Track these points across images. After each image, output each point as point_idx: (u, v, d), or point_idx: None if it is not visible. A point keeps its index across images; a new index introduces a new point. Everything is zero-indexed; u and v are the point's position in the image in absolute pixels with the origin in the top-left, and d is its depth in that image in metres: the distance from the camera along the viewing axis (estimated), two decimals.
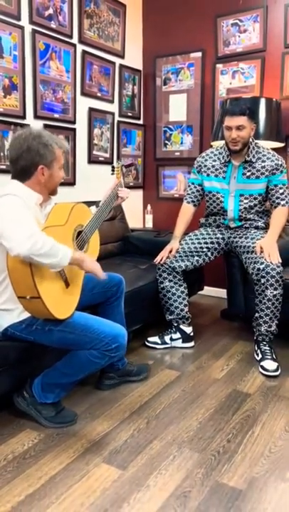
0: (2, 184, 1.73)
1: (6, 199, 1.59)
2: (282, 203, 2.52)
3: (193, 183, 2.73)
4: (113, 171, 2.23)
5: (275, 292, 2.30)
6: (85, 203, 3.03)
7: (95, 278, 1.86)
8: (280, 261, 2.34)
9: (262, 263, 2.32)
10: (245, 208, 2.57)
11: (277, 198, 2.53)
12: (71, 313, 1.74)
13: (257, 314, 2.40)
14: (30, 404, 1.83)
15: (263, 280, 2.31)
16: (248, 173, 2.52)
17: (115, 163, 2.25)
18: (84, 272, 1.88)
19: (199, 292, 3.38)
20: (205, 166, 2.65)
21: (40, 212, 1.78)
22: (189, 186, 2.75)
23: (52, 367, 1.81)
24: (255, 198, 2.56)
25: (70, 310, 1.75)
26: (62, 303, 1.71)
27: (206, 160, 2.66)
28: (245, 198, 2.56)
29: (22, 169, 1.71)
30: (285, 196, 2.53)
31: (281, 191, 2.52)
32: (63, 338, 1.72)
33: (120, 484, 1.50)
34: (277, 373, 2.28)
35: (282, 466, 1.60)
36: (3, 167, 2.68)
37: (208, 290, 3.63)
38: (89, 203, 3.07)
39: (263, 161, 2.50)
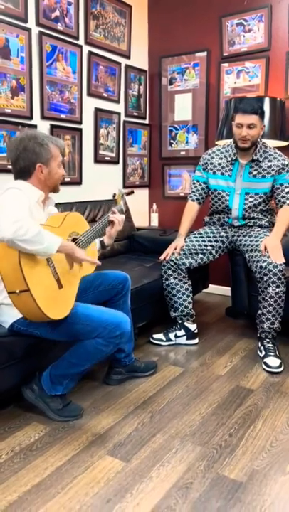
0: (7, 182, 1.80)
1: (8, 191, 1.68)
2: (288, 202, 2.54)
3: (198, 181, 2.75)
4: (114, 197, 2.27)
5: (277, 290, 2.33)
6: (91, 202, 3.12)
7: (101, 275, 1.90)
8: (284, 261, 2.36)
9: (264, 261, 2.34)
10: (249, 206, 2.60)
11: (283, 197, 2.55)
12: (64, 315, 1.73)
13: (260, 311, 2.43)
14: (38, 397, 1.88)
15: (265, 278, 2.34)
16: (255, 172, 2.55)
17: (116, 191, 2.28)
18: (81, 274, 1.90)
19: (205, 290, 3.41)
20: (211, 163, 2.67)
21: (42, 210, 1.84)
22: (194, 184, 2.78)
23: (59, 358, 1.86)
24: (260, 197, 2.58)
25: (63, 311, 1.74)
26: (53, 301, 1.69)
27: (212, 157, 2.68)
28: (251, 197, 2.58)
29: (21, 169, 1.80)
30: None
31: (287, 190, 2.54)
32: (68, 330, 1.77)
33: (124, 475, 1.54)
34: (280, 370, 2.31)
35: (283, 460, 1.63)
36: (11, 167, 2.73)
37: (213, 288, 3.66)
38: (95, 202, 3.15)
39: (270, 161, 2.53)
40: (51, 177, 1.84)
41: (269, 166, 2.52)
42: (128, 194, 2.30)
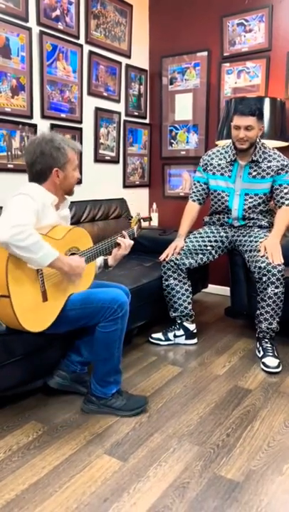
0: (13, 183, 1.79)
1: (17, 196, 1.67)
2: (287, 202, 2.54)
3: (198, 181, 2.76)
4: (130, 219, 2.24)
5: (276, 290, 2.33)
6: (91, 201, 3.12)
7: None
8: (283, 261, 2.36)
9: (263, 261, 2.35)
10: (249, 207, 2.60)
11: (282, 197, 2.55)
12: (41, 328, 1.70)
13: (258, 312, 2.43)
14: (101, 405, 1.91)
15: (264, 278, 2.34)
16: (254, 173, 2.55)
17: (134, 214, 2.26)
18: (71, 291, 1.85)
19: (204, 290, 3.42)
20: (211, 164, 2.67)
21: (56, 214, 1.85)
22: (194, 184, 2.78)
23: (93, 367, 1.90)
24: (260, 198, 2.58)
25: (41, 325, 1.70)
26: (33, 313, 1.67)
27: (212, 158, 2.68)
28: (250, 197, 2.59)
29: (37, 173, 1.80)
30: None
31: (286, 191, 2.54)
32: (68, 318, 1.79)
33: (121, 475, 1.55)
34: (278, 370, 2.31)
35: (280, 460, 1.63)
36: (11, 166, 2.74)
37: (212, 288, 3.66)
38: (95, 202, 3.15)
39: (269, 161, 2.53)
40: (67, 181, 1.85)
41: (268, 167, 2.53)
42: (145, 220, 2.28)
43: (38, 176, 1.81)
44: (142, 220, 2.27)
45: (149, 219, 2.31)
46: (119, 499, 1.43)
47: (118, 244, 2.05)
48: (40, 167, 1.79)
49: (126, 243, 2.05)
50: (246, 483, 1.51)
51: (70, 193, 1.91)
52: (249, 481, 1.52)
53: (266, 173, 2.53)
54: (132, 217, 2.25)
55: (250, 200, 2.59)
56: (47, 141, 1.79)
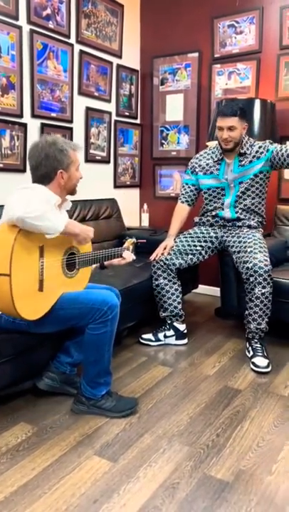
0: (3, 182, 1.80)
1: (23, 190, 1.72)
2: None
3: (187, 184, 2.78)
4: (124, 240, 2.25)
5: (263, 290, 2.35)
6: (81, 201, 3.11)
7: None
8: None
9: (251, 262, 2.36)
10: (242, 192, 2.62)
11: (283, 154, 2.47)
12: (31, 317, 1.70)
13: (247, 312, 2.45)
14: (91, 406, 1.91)
15: (251, 279, 2.35)
16: (243, 162, 2.58)
17: (129, 239, 2.25)
18: (67, 288, 1.85)
19: (195, 290, 3.42)
20: (199, 165, 2.70)
21: (58, 213, 1.85)
22: (183, 187, 2.80)
23: (83, 367, 1.90)
24: (251, 179, 2.60)
25: (32, 313, 1.70)
26: (27, 298, 1.67)
27: (199, 160, 2.72)
28: (245, 183, 2.61)
29: (42, 175, 1.84)
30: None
31: (279, 148, 2.50)
32: (57, 318, 1.79)
33: (111, 476, 1.54)
34: (268, 370, 2.32)
35: (269, 460, 1.64)
36: (1, 165, 2.72)
37: (203, 288, 3.67)
38: (85, 202, 3.14)
39: (253, 146, 2.57)
40: (70, 181, 1.90)
41: (255, 151, 2.56)
42: (138, 244, 2.28)
43: (43, 178, 1.85)
44: (138, 244, 2.28)
45: (144, 241, 2.32)
46: (109, 500, 1.43)
47: (120, 256, 2.10)
48: (46, 170, 1.83)
49: (129, 259, 2.13)
50: (236, 483, 1.51)
51: (74, 192, 1.97)
52: (239, 481, 1.52)
53: (253, 156, 2.56)
54: (127, 238, 2.25)
55: (244, 185, 2.61)
56: (50, 144, 1.84)
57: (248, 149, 2.56)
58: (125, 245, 2.19)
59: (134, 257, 2.18)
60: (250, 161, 2.57)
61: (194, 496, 1.45)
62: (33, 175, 1.88)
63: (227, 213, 2.68)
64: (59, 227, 1.67)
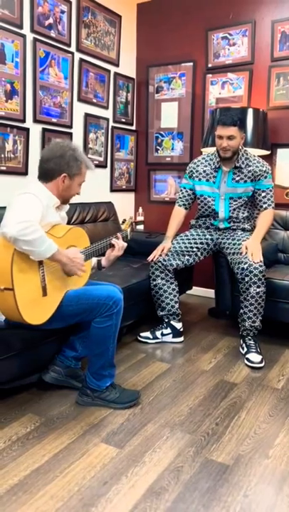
0: (5, 185, 1.87)
1: (24, 195, 1.76)
2: (265, 206, 2.70)
3: (184, 188, 2.89)
4: (122, 222, 2.36)
5: (258, 290, 2.47)
6: (80, 204, 3.20)
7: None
8: (262, 259, 2.50)
9: (245, 263, 2.48)
10: (234, 209, 2.75)
11: (260, 201, 2.71)
12: (40, 322, 1.78)
13: (242, 310, 2.56)
14: (95, 398, 1.99)
15: (246, 279, 2.47)
16: (237, 178, 2.69)
17: (127, 218, 2.38)
18: (68, 287, 1.94)
19: (187, 292, 3.53)
20: (197, 171, 2.81)
21: (57, 214, 1.95)
22: (181, 191, 2.91)
23: (88, 361, 1.98)
24: (243, 200, 2.73)
25: (40, 318, 1.78)
26: (33, 306, 1.74)
27: (197, 166, 2.82)
28: (234, 201, 2.73)
29: (48, 171, 1.90)
30: (268, 199, 2.71)
31: (264, 195, 2.70)
32: (64, 314, 1.87)
33: (118, 460, 1.63)
34: (261, 365, 2.44)
35: (266, 445, 1.75)
36: (4, 168, 2.80)
37: (196, 290, 3.78)
38: (84, 205, 3.23)
39: (250, 166, 2.68)
40: (68, 191, 1.96)
41: (249, 171, 2.68)
42: (137, 223, 2.37)
43: (46, 173, 1.91)
44: (134, 224, 2.38)
45: (142, 222, 2.41)
46: (118, 482, 1.52)
47: (112, 246, 2.15)
48: (53, 167, 1.89)
49: (119, 244, 2.16)
50: (236, 466, 1.62)
51: (66, 201, 2.02)
52: (238, 464, 1.63)
53: (247, 177, 2.69)
54: (125, 220, 2.35)
55: (234, 203, 2.73)
56: (70, 148, 1.91)
57: (243, 163, 2.68)
58: (125, 228, 2.27)
59: (125, 244, 2.17)
60: (245, 181, 2.69)
61: (198, 477, 1.55)
62: (39, 167, 1.93)
63: (221, 225, 2.81)
64: (46, 254, 1.69)
